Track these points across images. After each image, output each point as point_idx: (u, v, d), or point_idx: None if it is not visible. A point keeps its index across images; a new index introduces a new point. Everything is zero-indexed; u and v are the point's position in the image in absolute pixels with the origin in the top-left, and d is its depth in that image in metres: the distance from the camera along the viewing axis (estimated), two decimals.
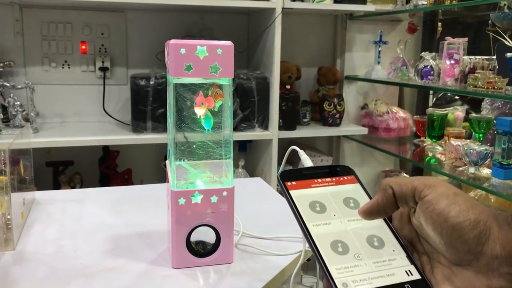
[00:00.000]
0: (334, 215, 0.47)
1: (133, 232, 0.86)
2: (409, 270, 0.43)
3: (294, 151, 0.66)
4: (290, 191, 0.48)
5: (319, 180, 0.50)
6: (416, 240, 0.45)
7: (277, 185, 2.09)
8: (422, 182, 0.43)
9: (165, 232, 0.80)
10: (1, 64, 1.91)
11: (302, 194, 0.48)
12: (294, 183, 0.48)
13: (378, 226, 0.47)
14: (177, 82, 0.68)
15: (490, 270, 0.39)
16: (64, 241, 0.81)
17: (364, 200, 0.49)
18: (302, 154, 0.66)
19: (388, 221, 0.47)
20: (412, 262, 0.44)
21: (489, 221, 0.40)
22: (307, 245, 0.56)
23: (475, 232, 0.39)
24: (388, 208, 0.45)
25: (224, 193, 0.70)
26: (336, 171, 0.51)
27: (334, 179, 0.50)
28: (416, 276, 0.43)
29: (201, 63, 0.66)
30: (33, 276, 0.69)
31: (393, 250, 0.45)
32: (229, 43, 0.67)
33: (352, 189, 0.50)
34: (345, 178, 0.51)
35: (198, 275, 0.70)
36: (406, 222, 0.46)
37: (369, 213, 0.45)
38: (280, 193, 0.48)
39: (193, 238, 0.72)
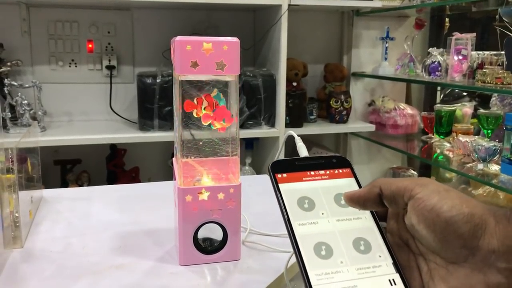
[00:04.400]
0: (322, 214, 0.45)
1: (141, 230, 0.86)
2: (393, 279, 0.42)
3: (293, 139, 0.64)
4: (280, 185, 0.45)
5: (312, 172, 0.47)
6: (411, 241, 0.44)
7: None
8: (413, 181, 0.42)
9: (172, 229, 0.80)
10: (9, 63, 1.92)
11: (291, 188, 0.46)
12: (285, 175, 0.46)
13: (368, 228, 0.45)
14: (183, 79, 0.68)
15: (487, 266, 0.38)
16: (72, 239, 0.82)
17: None
18: (298, 141, 0.63)
19: (379, 223, 0.45)
20: (398, 270, 0.42)
21: (484, 214, 0.39)
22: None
23: (469, 226, 0.38)
24: (368, 203, 0.44)
25: (231, 190, 0.70)
26: (332, 163, 0.48)
27: (328, 172, 0.48)
28: (399, 286, 0.41)
29: (207, 60, 0.66)
30: (41, 274, 0.69)
31: (379, 256, 0.43)
32: (235, 39, 0.67)
33: (345, 184, 0.47)
34: (340, 171, 0.48)
35: (206, 272, 0.70)
36: (402, 223, 0.44)
37: (349, 200, 0.45)
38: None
39: (200, 235, 0.72)
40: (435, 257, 0.42)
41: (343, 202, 0.46)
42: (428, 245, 0.42)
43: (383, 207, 0.44)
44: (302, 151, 0.61)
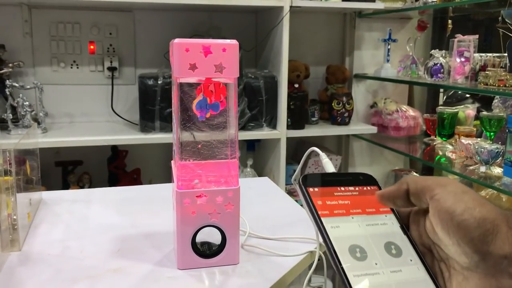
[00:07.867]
0: (356, 221, 0.45)
1: (139, 233, 0.85)
2: None
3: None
4: (312, 197, 0.45)
5: (342, 188, 0.48)
6: (433, 247, 0.44)
7: (292, 188, 2.08)
8: (434, 181, 0.42)
9: (171, 232, 0.80)
10: (10, 65, 1.92)
11: (323, 202, 0.46)
12: (316, 189, 0.46)
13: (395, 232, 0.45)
14: (181, 81, 0.67)
15: (499, 272, 0.38)
16: (70, 242, 0.81)
17: (383, 212, 0.47)
18: (323, 157, 0.62)
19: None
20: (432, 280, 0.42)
21: (497, 220, 0.38)
22: (314, 246, 0.54)
23: (479, 231, 0.38)
24: (397, 200, 0.44)
25: (230, 194, 0.70)
26: (359, 180, 0.49)
27: (357, 188, 0.48)
28: None
29: (206, 62, 0.65)
30: (38, 277, 0.69)
31: (410, 260, 0.43)
32: (234, 42, 0.67)
33: (375, 200, 0.48)
34: (369, 188, 0.49)
35: (204, 276, 0.70)
36: (423, 229, 0.44)
37: (381, 197, 0.46)
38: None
39: (199, 239, 0.71)
40: (453, 262, 0.41)
41: (393, 251, 0.45)
42: (445, 248, 0.42)
43: (411, 205, 0.44)
44: (329, 167, 0.60)
